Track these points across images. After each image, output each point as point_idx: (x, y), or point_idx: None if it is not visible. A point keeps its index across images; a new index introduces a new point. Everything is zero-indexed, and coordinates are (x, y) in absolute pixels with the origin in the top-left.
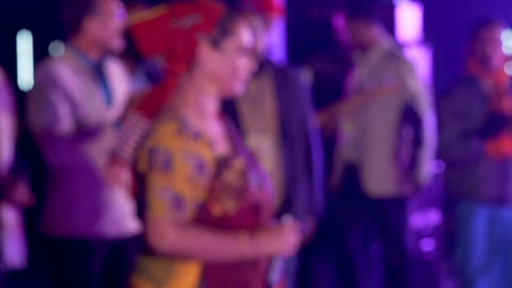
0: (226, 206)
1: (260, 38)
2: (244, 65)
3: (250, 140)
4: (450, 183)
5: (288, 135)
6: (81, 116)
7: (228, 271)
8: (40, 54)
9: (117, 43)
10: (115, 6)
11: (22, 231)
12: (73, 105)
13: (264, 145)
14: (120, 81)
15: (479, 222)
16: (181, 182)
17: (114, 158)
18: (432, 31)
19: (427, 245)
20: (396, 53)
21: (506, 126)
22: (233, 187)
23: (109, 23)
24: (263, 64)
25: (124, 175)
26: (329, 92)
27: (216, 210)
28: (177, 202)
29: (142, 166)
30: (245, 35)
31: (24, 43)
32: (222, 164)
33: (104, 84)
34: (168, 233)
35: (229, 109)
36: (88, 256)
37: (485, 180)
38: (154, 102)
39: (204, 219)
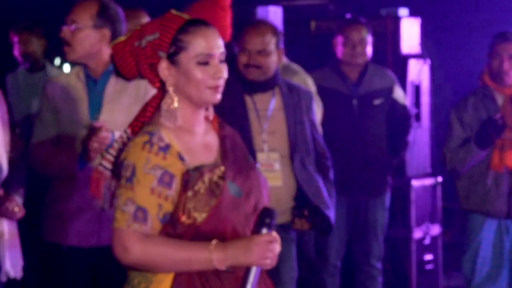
0: (193, 215)
1: (271, 54)
2: (209, 74)
3: (260, 159)
4: (460, 197)
5: (298, 153)
6: (64, 127)
7: (201, 279)
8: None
9: (65, 53)
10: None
11: (19, 240)
12: (58, 116)
13: (274, 163)
14: (133, 95)
15: (488, 233)
16: (144, 195)
17: (96, 169)
18: (431, 44)
19: (427, 256)
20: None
21: (498, 133)
22: (202, 196)
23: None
24: (272, 81)
25: (102, 187)
26: (329, 105)
27: (184, 219)
28: (140, 214)
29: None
30: (201, 45)
31: None
32: (193, 175)
33: (96, 99)
34: (130, 246)
35: (237, 127)
36: (59, 263)
37: (493, 196)
38: (139, 116)
39: (174, 229)
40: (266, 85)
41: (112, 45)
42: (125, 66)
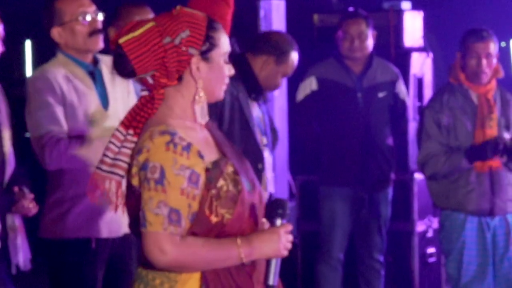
0: (220, 212)
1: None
2: (228, 71)
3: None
4: (437, 196)
5: (271, 148)
6: (78, 118)
7: (227, 276)
8: (43, 62)
9: (95, 43)
10: (78, 10)
11: (25, 234)
12: (70, 109)
13: (268, 158)
14: (121, 83)
15: (471, 231)
16: (176, 196)
17: (96, 172)
18: (434, 38)
19: (430, 249)
20: None
21: (495, 154)
22: (225, 193)
23: (76, 28)
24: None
25: (105, 188)
26: (333, 98)
27: (213, 218)
28: (174, 216)
29: (135, 181)
30: (226, 43)
31: (29, 51)
32: (213, 171)
33: (100, 88)
34: (168, 248)
35: (245, 130)
36: (89, 257)
37: (476, 195)
38: (140, 116)
39: (201, 228)
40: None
41: (123, 42)
42: (143, 63)
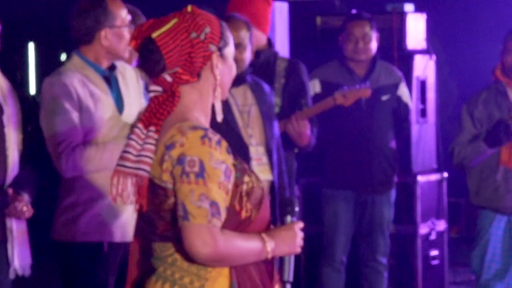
0: (249, 208)
1: (246, 49)
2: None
3: (252, 154)
4: (471, 193)
5: (271, 149)
6: (94, 124)
7: (249, 273)
8: (46, 64)
9: (127, 52)
10: (127, 17)
11: (28, 238)
12: (86, 114)
13: (262, 156)
14: (134, 88)
15: (497, 230)
16: (215, 189)
17: (118, 169)
18: (437, 39)
19: (433, 251)
20: None
21: (509, 136)
22: (251, 189)
23: (123, 34)
24: (244, 75)
25: (128, 187)
26: None
27: (243, 213)
28: (215, 209)
29: (166, 177)
30: (232, 42)
31: (32, 53)
32: (238, 167)
33: (115, 92)
34: (210, 240)
35: (227, 125)
36: (101, 261)
37: (503, 192)
38: (160, 113)
39: (230, 223)
40: (239, 80)
41: (156, 36)
42: (173, 59)
